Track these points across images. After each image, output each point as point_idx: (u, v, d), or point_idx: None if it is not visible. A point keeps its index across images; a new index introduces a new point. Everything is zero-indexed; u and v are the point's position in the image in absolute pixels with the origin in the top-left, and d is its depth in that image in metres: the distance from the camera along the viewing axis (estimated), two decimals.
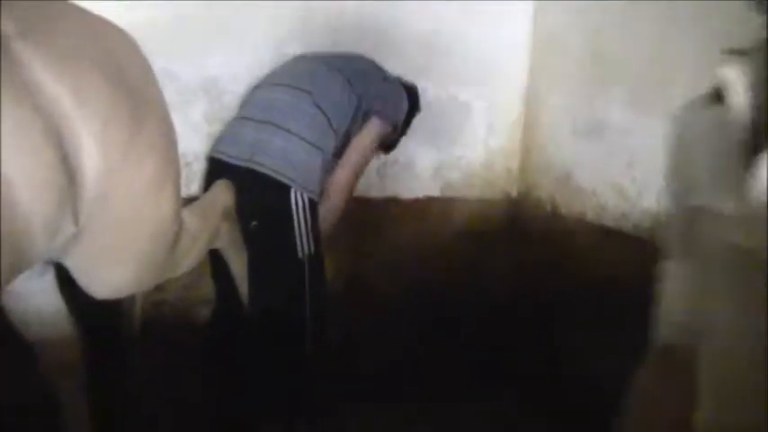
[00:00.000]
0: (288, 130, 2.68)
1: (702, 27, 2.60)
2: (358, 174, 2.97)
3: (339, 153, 2.87)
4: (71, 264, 1.81)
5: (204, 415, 2.91)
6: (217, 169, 2.77)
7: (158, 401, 2.89)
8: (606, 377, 2.95)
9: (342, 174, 2.90)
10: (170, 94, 1.92)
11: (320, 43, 3.13)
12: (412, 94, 3.11)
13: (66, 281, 2.04)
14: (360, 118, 2.88)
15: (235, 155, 2.69)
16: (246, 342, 2.82)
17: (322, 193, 2.82)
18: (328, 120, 2.75)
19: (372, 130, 2.92)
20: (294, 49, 3.09)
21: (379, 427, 3.05)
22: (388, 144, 3.11)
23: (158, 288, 2.80)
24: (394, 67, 3.10)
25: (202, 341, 2.95)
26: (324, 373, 2.84)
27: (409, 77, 3.12)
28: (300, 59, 3.00)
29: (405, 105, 3.03)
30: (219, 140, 2.84)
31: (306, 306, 2.69)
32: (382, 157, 3.27)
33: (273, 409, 2.83)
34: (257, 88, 2.95)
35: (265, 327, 2.73)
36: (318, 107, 2.74)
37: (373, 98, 2.90)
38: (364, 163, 3.00)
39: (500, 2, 3.60)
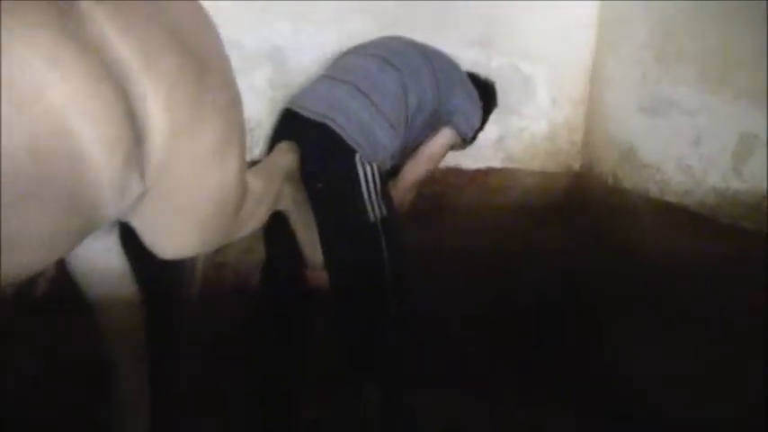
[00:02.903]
0: (369, 99, 2.66)
1: None
2: (422, 179, 2.98)
3: (405, 148, 2.85)
4: (137, 223, 1.84)
5: (252, 384, 2.96)
6: (289, 121, 2.74)
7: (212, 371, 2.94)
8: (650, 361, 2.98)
9: (407, 176, 2.91)
10: (235, 61, 1.93)
11: (383, 16, 3.14)
12: (489, 89, 3.11)
13: (130, 242, 2.07)
14: (434, 121, 2.87)
15: (310, 108, 2.66)
16: (299, 306, 2.85)
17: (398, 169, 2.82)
18: (408, 105, 2.74)
19: (444, 140, 2.93)
20: (356, 21, 3.11)
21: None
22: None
23: (219, 251, 2.85)
24: (458, 38, 3.10)
25: (256, 304, 2.98)
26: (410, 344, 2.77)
27: (474, 48, 3.11)
28: (399, 40, 2.98)
29: (479, 121, 3.02)
30: (297, 95, 2.82)
31: (385, 272, 2.64)
32: None
33: (348, 376, 2.83)
34: (348, 53, 2.94)
35: (345, 292, 2.72)
36: (404, 90, 2.73)
37: (453, 108, 2.88)
38: (430, 170, 3.00)
39: None
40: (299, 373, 2.95)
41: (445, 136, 2.92)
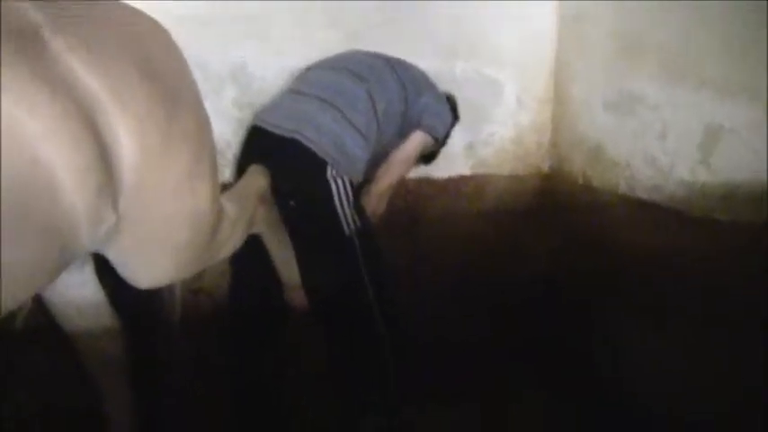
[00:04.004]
0: (337, 110, 2.65)
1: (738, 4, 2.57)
2: (395, 183, 2.98)
3: (377, 156, 2.85)
4: (112, 254, 1.82)
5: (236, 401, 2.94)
6: (258, 139, 2.73)
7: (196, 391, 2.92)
8: (642, 359, 2.99)
9: (381, 182, 2.90)
10: (200, 83, 1.92)
11: (349, 28, 3.13)
12: (451, 103, 3.12)
13: (106, 272, 2.06)
14: (404, 126, 2.88)
15: (279, 124, 2.64)
16: (273, 323, 2.84)
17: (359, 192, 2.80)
18: (377, 115, 2.74)
19: (415, 142, 2.93)
20: (323, 34, 3.10)
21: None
22: (428, 155, 3.12)
23: (196, 275, 2.82)
24: (423, 47, 3.10)
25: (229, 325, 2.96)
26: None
27: (439, 56, 3.11)
28: (360, 52, 2.99)
29: (449, 123, 3.04)
30: (264, 110, 2.80)
31: (366, 286, 2.61)
32: None
33: (339, 400, 2.78)
34: (312, 68, 2.94)
35: (326, 308, 2.70)
36: (371, 99, 2.73)
37: (422, 110, 2.90)
38: (402, 174, 3.01)
39: None
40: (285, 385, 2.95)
41: (416, 139, 2.93)
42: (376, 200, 2.90)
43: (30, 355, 2.64)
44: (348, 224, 2.59)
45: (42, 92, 1.33)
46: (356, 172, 2.67)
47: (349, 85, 2.75)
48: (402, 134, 2.91)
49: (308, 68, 2.95)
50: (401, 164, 2.95)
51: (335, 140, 2.61)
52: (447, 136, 3.13)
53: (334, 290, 2.65)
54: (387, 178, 2.92)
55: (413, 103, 2.87)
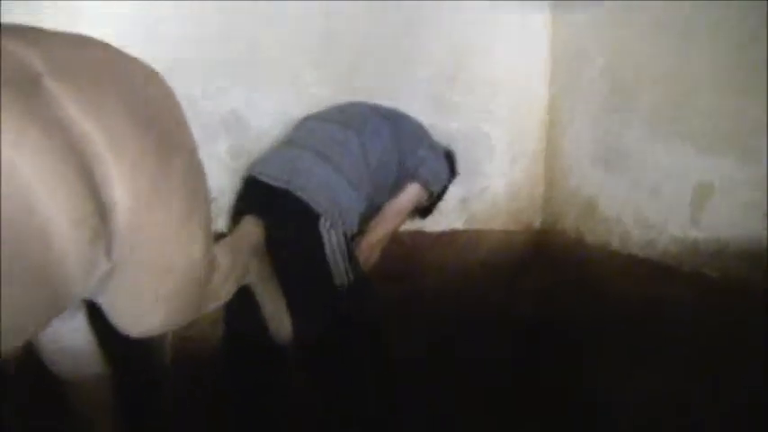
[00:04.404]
0: (332, 163, 2.68)
1: (719, 43, 2.61)
2: (389, 235, 2.99)
3: (371, 208, 2.87)
4: (104, 302, 1.81)
5: None
6: (252, 190, 2.75)
7: None
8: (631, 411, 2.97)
9: (374, 232, 2.92)
10: (194, 130, 1.93)
11: (341, 79, 3.18)
12: (450, 158, 3.14)
13: (97, 318, 2.05)
14: (399, 177, 2.90)
15: (272, 175, 2.67)
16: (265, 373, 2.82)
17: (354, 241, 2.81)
18: (369, 168, 2.76)
19: (411, 195, 2.95)
20: (315, 83, 3.15)
21: None
22: (424, 209, 3.14)
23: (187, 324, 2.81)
24: (415, 101, 3.13)
25: (221, 371, 2.94)
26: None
27: (433, 111, 3.14)
28: (355, 104, 3.02)
29: (446, 176, 3.06)
30: (258, 161, 2.83)
31: (355, 337, 2.64)
32: None
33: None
34: (307, 119, 2.96)
35: (318, 362, 2.71)
36: (365, 151, 2.76)
37: (419, 163, 2.92)
38: (397, 225, 3.02)
39: (518, 32, 3.66)
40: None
41: (411, 191, 2.95)
42: (369, 250, 2.90)
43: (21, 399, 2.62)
44: (340, 277, 2.60)
45: (39, 137, 1.33)
46: (350, 223, 2.68)
47: (342, 138, 2.77)
48: (398, 185, 2.93)
49: (304, 119, 2.98)
50: (395, 215, 2.96)
51: (329, 192, 2.62)
52: (444, 190, 3.14)
53: (325, 342, 2.64)
54: (381, 229, 2.93)
55: (409, 154, 2.89)
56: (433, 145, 3.04)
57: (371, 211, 2.89)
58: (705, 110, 2.68)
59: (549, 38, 3.73)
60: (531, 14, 3.68)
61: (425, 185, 2.96)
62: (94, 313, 1.98)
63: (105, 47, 1.70)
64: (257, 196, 2.71)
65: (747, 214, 2.49)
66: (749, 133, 2.47)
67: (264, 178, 2.69)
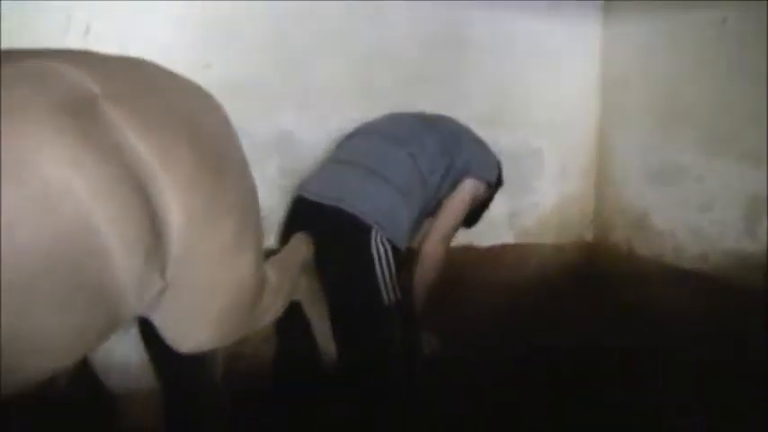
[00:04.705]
0: (381, 177, 2.69)
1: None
2: (451, 233, 2.96)
3: (428, 211, 2.87)
4: (157, 319, 1.83)
5: None
6: (302, 208, 2.76)
7: None
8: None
9: (435, 234, 2.89)
10: (246, 150, 1.95)
11: (387, 97, 3.20)
12: (497, 168, 3.12)
13: (149, 334, 2.07)
14: (452, 177, 2.88)
15: (321, 194, 2.68)
16: (313, 394, 2.82)
17: (411, 251, 2.82)
18: (422, 173, 2.76)
19: (466, 190, 2.92)
20: (360, 109, 3.14)
21: None
22: (473, 216, 3.11)
23: (238, 340, 2.83)
24: (466, 116, 3.12)
25: (271, 392, 2.94)
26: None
27: (481, 126, 3.12)
28: (396, 115, 3.03)
29: (496, 164, 3.04)
30: (307, 181, 2.84)
31: (395, 355, 2.63)
32: None
33: None
34: (352, 136, 2.97)
35: (358, 381, 2.69)
36: (414, 160, 2.76)
37: (467, 158, 2.90)
38: (457, 226, 2.99)
39: (567, 45, 3.65)
40: None
41: (467, 187, 2.93)
42: (435, 246, 2.87)
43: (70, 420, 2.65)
44: (388, 294, 2.60)
45: (95, 158, 1.36)
46: (401, 235, 2.68)
47: (389, 150, 2.78)
48: (454, 185, 2.91)
49: (348, 136, 2.99)
50: (456, 209, 2.93)
51: (379, 205, 2.63)
52: (491, 198, 3.13)
53: (364, 357, 2.65)
54: (443, 223, 2.90)
55: (457, 154, 2.88)
56: (477, 139, 3.04)
57: (429, 212, 2.90)
58: (756, 121, 2.64)
59: (601, 56, 3.71)
60: (583, 32, 3.67)
61: (481, 177, 2.95)
62: (147, 328, 2.00)
63: (157, 68, 1.73)
64: (306, 214, 2.73)
65: None
66: None
67: (313, 197, 2.70)
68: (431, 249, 2.87)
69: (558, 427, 3.36)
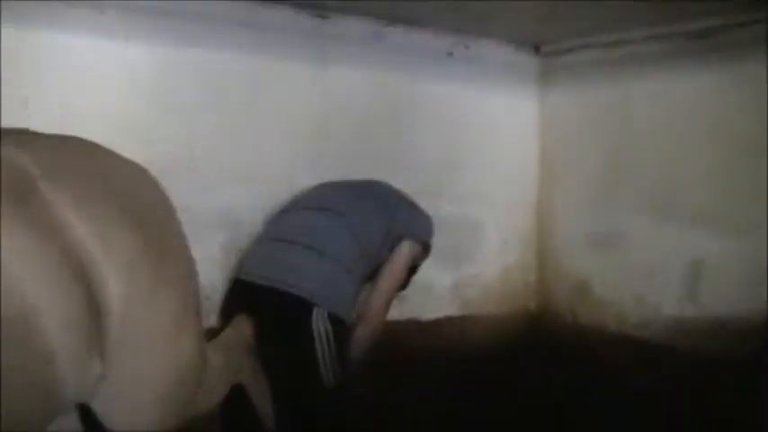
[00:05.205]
0: (319, 251, 2.67)
1: (717, 133, 2.65)
2: (392, 298, 2.96)
3: (368, 277, 2.87)
4: (96, 405, 1.77)
5: None
6: (241, 291, 2.73)
7: None
8: None
9: (377, 300, 2.88)
10: (187, 227, 1.93)
11: (336, 173, 3.16)
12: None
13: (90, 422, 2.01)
14: (390, 241, 2.89)
15: (260, 275, 2.65)
16: None
17: (356, 317, 2.80)
18: (360, 243, 2.76)
19: (404, 253, 2.92)
20: (308, 176, 3.13)
21: None
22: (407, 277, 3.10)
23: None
24: (407, 188, 3.13)
25: None
26: None
27: (422, 198, 3.14)
28: (326, 186, 3.03)
29: (431, 225, 3.05)
30: (245, 262, 2.81)
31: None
32: None
33: None
34: (284, 212, 2.96)
35: None
36: (350, 230, 2.76)
37: (403, 222, 2.92)
38: (397, 287, 2.99)
39: (505, 116, 3.71)
40: None
41: (405, 249, 2.92)
42: (374, 316, 2.86)
43: None
44: (327, 374, 2.59)
45: (32, 242, 1.33)
46: (345, 307, 2.68)
47: (324, 222, 2.78)
48: (391, 249, 2.91)
49: (282, 211, 2.97)
50: (392, 276, 2.92)
51: (320, 281, 2.61)
52: (417, 268, 3.12)
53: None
54: (380, 293, 2.89)
55: (392, 217, 2.90)
56: (410, 201, 3.06)
57: (369, 274, 2.89)
58: (696, 185, 2.70)
59: (539, 126, 3.79)
60: (520, 104, 3.75)
61: (416, 239, 2.96)
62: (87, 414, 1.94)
63: (95, 148, 1.71)
64: (246, 296, 2.70)
65: (742, 290, 2.49)
66: (742, 207, 2.49)
67: (252, 278, 2.68)
68: (372, 313, 2.86)
69: None
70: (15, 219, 1.32)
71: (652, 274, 2.93)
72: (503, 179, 3.70)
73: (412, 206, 3.04)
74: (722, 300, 2.60)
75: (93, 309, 1.48)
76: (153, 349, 1.74)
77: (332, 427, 2.63)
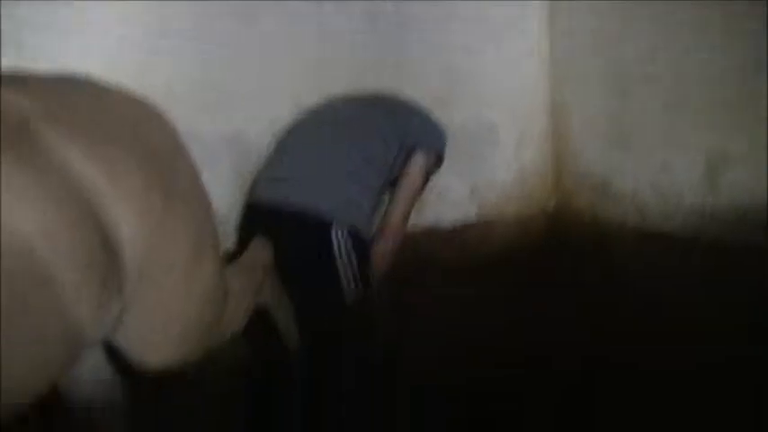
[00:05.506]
0: (333, 168, 2.64)
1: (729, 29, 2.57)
2: (411, 209, 2.92)
3: (385, 189, 2.85)
4: (119, 340, 1.78)
5: None
6: (255, 214, 2.72)
7: None
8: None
9: (395, 213, 2.85)
10: (196, 154, 1.89)
11: (342, 88, 3.11)
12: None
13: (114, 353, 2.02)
14: (403, 154, 2.85)
15: (273, 197, 2.63)
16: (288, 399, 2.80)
17: (374, 233, 2.80)
18: (373, 157, 2.72)
19: (419, 164, 2.88)
20: (313, 95, 3.07)
21: None
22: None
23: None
24: (418, 97, 3.07)
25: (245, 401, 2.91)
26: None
27: (435, 106, 3.08)
28: (334, 101, 2.98)
29: (444, 135, 3.00)
30: (257, 184, 2.78)
31: (357, 351, 2.64)
32: None
33: None
34: (294, 130, 2.91)
35: (314, 371, 2.66)
36: (363, 145, 2.72)
37: (416, 132, 2.87)
38: (415, 197, 2.95)
39: (513, 14, 3.62)
40: None
41: (419, 161, 2.88)
42: (393, 230, 2.85)
43: None
44: (350, 291, 2.58)
45: (30, 184, 1.30)
46: (364, 224, 2.66)
47: (338, 138, 2.74)
48: (406, 161, 2.87)
49: (291, 130, 2.92)
50: (408, 189, 2.88)
51: (336, 198, 2.58)
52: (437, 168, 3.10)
53: (326, 353, 2.64)
54: (398, 206, 2.86)
55: (406, 129, 2.85)
56: (423, 111, 3.00)
57: (386, 188, 2.88)
58: (715, 75, 2.63)
59: (548, 22, 3.69)
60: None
61: (429, 149, 2.92)
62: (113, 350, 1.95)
63: (93, 85, 1.66)
64: (262, 219, 2.67)
65: (763, 179, 2.45)
66: (760, 98, 2.43)
67: (267, 200, 2.65)
68: (391, 227, 2.84)
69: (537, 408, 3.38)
70: (16, 161, 1.28)
71: (672, 168, 2.88)
72: (514, 79, 3.62)
73: (424, 116, 2.98)
74: (744, 189, 2.55)
75: (106, 244, 1.46)
76: (172, 279, 1.73)
77: (357, 345, 2.64)
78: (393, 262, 2.88)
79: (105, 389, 2.17)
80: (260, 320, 2.56)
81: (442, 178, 3.23)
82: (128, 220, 1.50)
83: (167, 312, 1.79)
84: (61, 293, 1.34)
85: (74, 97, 1.56)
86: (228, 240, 2.90)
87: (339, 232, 2.55)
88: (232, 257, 2.54)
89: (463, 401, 3.16)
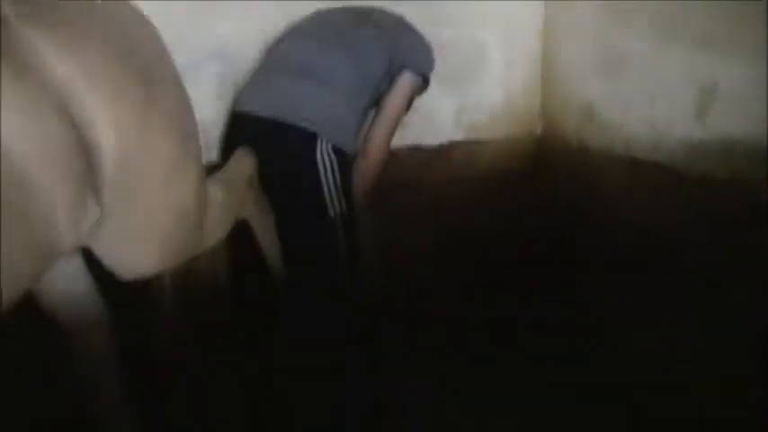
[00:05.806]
0: (320, 80, 2.60)
1: None
2: (394, 129, 2.89)
3: (370, 107, 2.82)
4: (97, 247, 1.78)
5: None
6: (240, 124, 2.69)
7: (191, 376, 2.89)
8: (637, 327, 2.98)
9: (378, 131, 2.82)
10: (180, 62, 1.86)
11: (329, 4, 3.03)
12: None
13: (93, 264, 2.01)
14: (390, 72, 2.81)
15: (260, 107, 2.59)
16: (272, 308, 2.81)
17: (358, 150, 2.78)
18: (360, 73, 2.69)
19: (405, 84, 2.84)
20: (301, 10, 2.98)
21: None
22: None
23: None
24: (407, 13, 3.01)
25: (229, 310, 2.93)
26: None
27: (424, 23, 3.02)
28: (325, 12, 2.92)
29: (433, 57, 2.94)
30: (243, 94, 2.74)
31: (341, 267, 2.62)
32: None
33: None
34: (282, 41, 2.85)
35: (300, 287, 2.68)
36: (351, 59, 2.67)
37: (404, 51, 2.82)
38: (399, 118, 2.91)
39: None
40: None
41: (406, 80, 2.85)
42: (376, 148, 2.83)
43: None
44: (333, 206, 2.57)
45: (9, 82, 1.27)
46: (349, 139, 2.65)
47: (325, 51, 2.69)
48: (391, 80, 2.84)
49: (279, 41, 2.87)
50: (393, 107, 2.85)
51: (322, 112, 2.56)
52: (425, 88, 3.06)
53: (311, 269, 2.65)
54: (381, 124, 2.84)
55: (394, 46, 2.81)
56: (413, 30, 2.96)
57: (371, 106, 2.86)
58: (707, 7, 2.58)
59: None
60: None
61: (417, 70, 2.87)
62: (92, 258, 1.94)
63: None
64: (246, 130, 2.64)
65: (754, 114, 2.43)
66: (756, 31, 2.38)
67: (251, 110, 2.62)
68: (374, 146, 2.82)
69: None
70: None
71: (661, 97, 2.84)
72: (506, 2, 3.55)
73: (414, 34, 2.93)
74: (733, 122, 2.53)
75: (83, 150, 1.43)
76: (151, 185, 1.73)
77: (344, 257, 2.63)
78: (375, 183, 2.87)
79: (82, 299, 2.17)
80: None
81: (429, 96, 3.16)
82: (105, 124, 1.49)
83: (145, 219, 1.79)
84: (36, 195, 1.32)
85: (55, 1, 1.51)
86: (212, 150, 2.86)
87: (324, 146, 2.52)
88: (215, 168, 2.51)
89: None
